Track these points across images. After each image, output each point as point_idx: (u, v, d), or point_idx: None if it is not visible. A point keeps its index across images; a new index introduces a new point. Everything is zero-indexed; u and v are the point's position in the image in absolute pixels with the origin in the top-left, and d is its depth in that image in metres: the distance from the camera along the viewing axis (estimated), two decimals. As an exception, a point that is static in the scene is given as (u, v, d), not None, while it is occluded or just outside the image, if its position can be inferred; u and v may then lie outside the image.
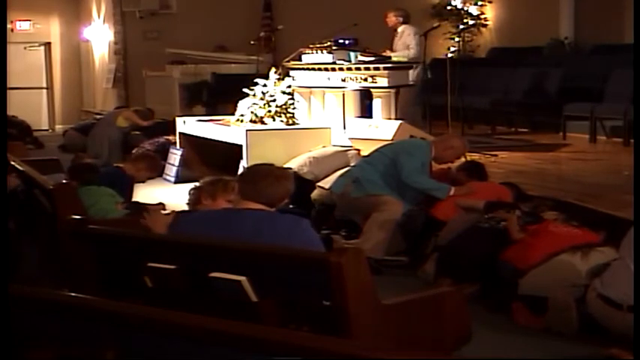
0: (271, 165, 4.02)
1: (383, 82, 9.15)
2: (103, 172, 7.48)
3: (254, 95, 9.36)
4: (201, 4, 15.49)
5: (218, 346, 2.14)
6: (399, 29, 10.45)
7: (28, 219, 5.84)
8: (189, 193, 5.19)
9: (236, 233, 3.67)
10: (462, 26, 15.08)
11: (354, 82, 9.36)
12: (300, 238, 3.66)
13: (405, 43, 10.28)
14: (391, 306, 3.60)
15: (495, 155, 9.27)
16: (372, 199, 6.70)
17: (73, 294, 2.74)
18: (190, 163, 10.30)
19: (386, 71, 9.14)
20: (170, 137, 11.07)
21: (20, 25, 17.24)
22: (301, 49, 10.04)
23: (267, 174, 3.84)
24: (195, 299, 3.47)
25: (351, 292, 3.19)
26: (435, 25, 12.93)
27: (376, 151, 7.27)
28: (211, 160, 9.88)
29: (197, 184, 5.14)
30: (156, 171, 7.71)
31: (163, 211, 5.55)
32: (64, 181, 5.82)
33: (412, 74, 9.83)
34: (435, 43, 13.89)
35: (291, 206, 8.15)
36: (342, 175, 7.33)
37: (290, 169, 8.39)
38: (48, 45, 17.71)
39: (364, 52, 9.43)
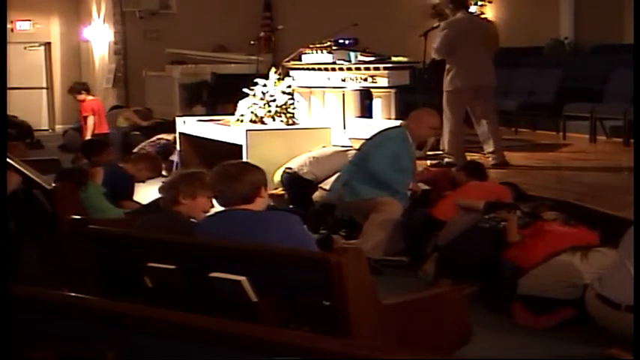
0: (234, 162, 4.04)
1: (383, 82, 9.16)
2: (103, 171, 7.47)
3: (254, 95, 9.34)
4: (201, 4, 15.49)
5: (218, 346, 2.14)
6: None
7: (28, 219, 5.83)
8: (160, 192, 4.64)
9: (226, 235, 3.71)
10: (462, 26, 15.05)
11: (354, 82, 9.36)
12: (288, 233, 3.69)
13: None
14: (391, 306, 3.60)
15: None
16: (370, 202, 6.65)
17: (73, 294, 2.73)
18: (190, 163, 10.28)
19: (386, 71, 9.15)
20: (170, 137, 11.06)
21: (20, 25, 17.24)
22: (301, 49, 10.05)
23: (232, 174, 3.84)
24: (195, 299, 3.46)
25: (351, 292, 3.19)
26: (435, 25, 12.88)
27: (358, 150, 7.24)
28: (211, 160, 9.83)
29: (165, 182, 4.62)
30: (156, 171, 7.71)
31: None
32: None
33: None
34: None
35: (290, 206, 8.17)
36: (335, 180, 7.29)
37: (291, 168, 8.42)
38: (48, 45, 17.70)
39: (364, 52, 9.43)
